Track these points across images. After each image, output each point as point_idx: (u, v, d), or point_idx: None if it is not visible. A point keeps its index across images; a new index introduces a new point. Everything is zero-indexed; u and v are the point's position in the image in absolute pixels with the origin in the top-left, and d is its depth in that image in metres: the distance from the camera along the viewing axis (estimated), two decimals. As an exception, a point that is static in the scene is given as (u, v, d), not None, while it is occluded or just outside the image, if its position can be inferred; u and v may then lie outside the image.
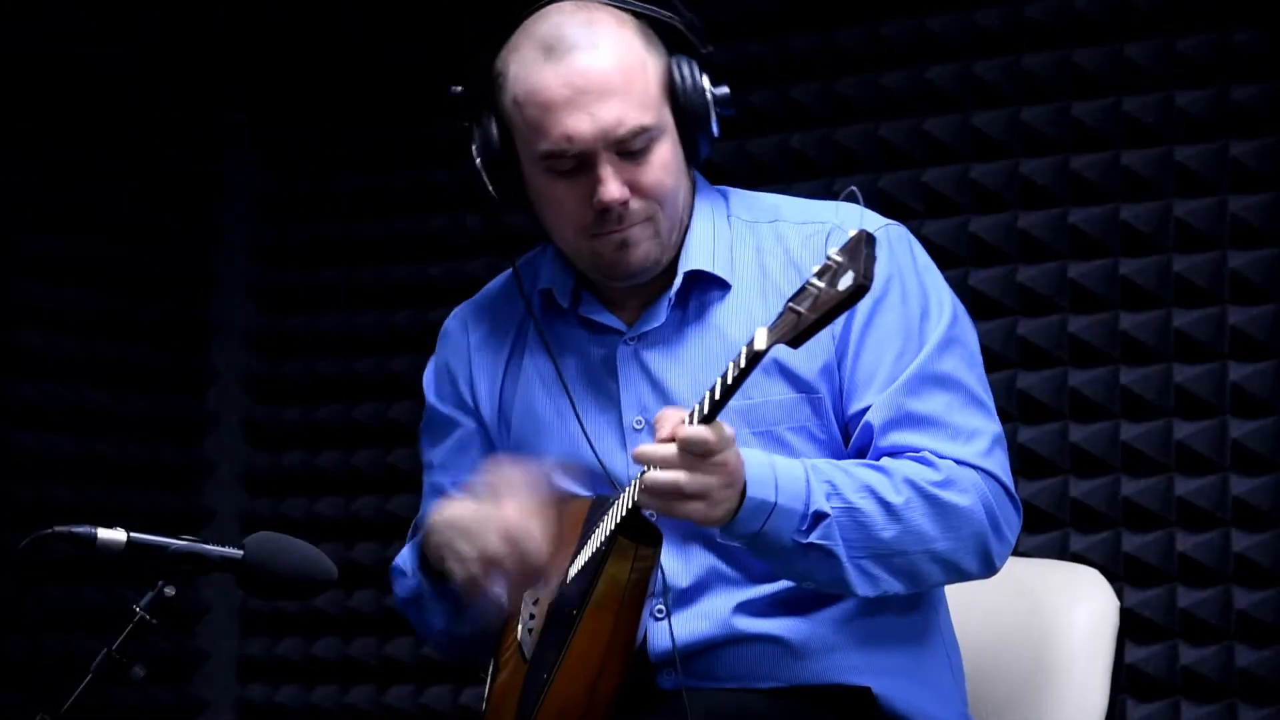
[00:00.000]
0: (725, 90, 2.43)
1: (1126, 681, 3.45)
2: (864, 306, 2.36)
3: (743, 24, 3.99)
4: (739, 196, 2.54)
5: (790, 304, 2.06)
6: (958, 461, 2.33)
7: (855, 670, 2.39)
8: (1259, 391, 3.43)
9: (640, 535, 2.29)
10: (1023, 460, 3.59)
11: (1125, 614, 2.65)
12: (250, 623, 4.56)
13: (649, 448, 2.16)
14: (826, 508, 2.24)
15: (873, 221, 2.45)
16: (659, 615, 2.39)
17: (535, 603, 2.47)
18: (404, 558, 2.57)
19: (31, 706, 2.16)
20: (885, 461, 2.33)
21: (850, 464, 2.32)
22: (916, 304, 2.41)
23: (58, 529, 2.19)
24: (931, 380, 2.37)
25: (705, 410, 2.14)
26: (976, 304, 3.65)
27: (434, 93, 4.36)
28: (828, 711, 2.37)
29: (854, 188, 2.42)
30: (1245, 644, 3.41)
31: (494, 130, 2.42)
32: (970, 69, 3.74)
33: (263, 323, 4.65)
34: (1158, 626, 3.48)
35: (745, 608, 2.39)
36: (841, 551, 2.25)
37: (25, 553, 2.19)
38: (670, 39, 2.43)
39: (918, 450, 2.34)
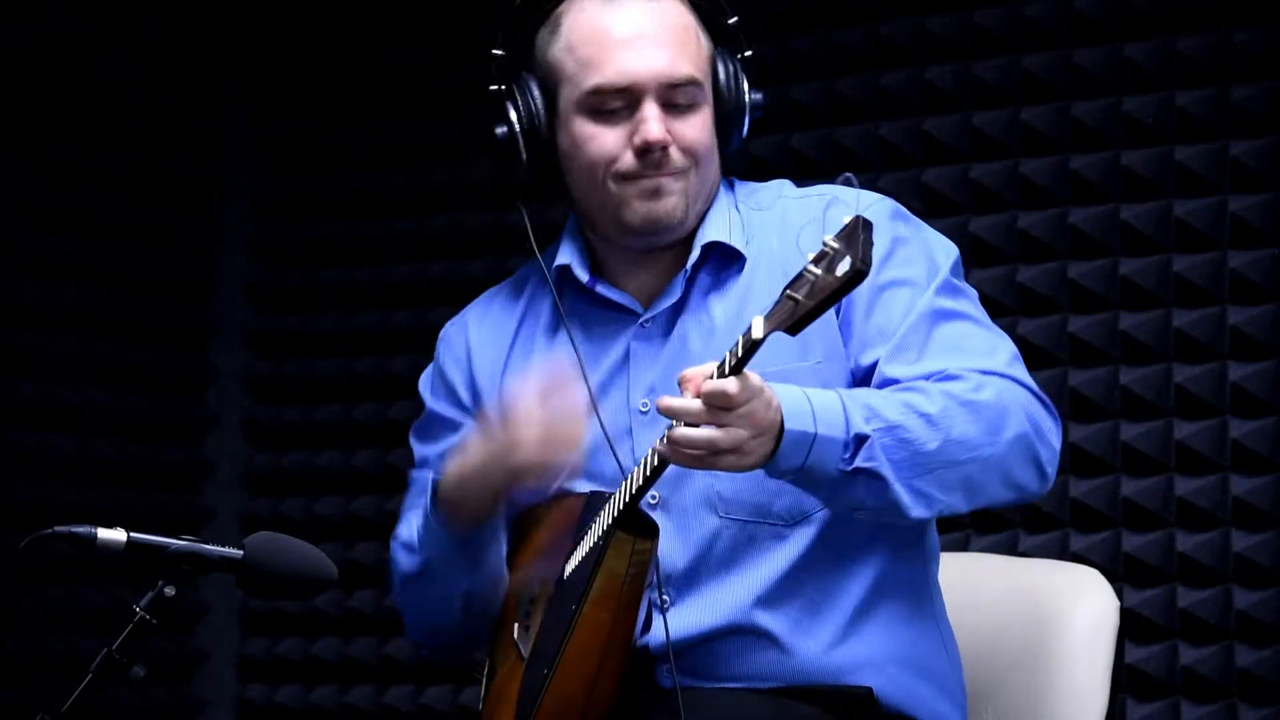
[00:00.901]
0: (760, 96, 2.49)
1: (1126, 681, 3.45)
2: (873, 264, 2.38)
3: (743, 24, 3.98)
4: (743, 187, 2.58)
5: (787, 290, 2.06)
6: (983, 372, 2.34)
7: (856, 668, 2.39)
8: (1259, 391, 3.43)
9: (637, 529, 2.29)
10: (1023, 460, 3.60)
11: (1125, 614, 2.65)
12: (250, 623, 4.56)
13: (675, 400, 2.16)
14: (867, 429, 2.23)
15: (866, 199, 2.47)
16: (665, 605, 2.38)
17: (531, 601, 2.46)
18: (409, 531, 2.55)
19: (31, 706, 2.17)
20: (917, 382, 2.33)
21: (884, 390, 2.33)
22: (921, 261, 2.43)
23: (58, 529, 2.19)
24: (940, 315, 2.39)
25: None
26: (976, 304, 3.65)
27: (434, 93, 4.39)
28: (830, 712, 2.37)
29: (850, 175, 2.43)
30: (1245, 644, 3.41)
31: (533, 86, 2.47)
32: (970, 69, 3.74)
33: (263, 323, 4.65)
34: (1158, 626, 3.48)
35: (746, 599, 2.39)
36: (888, 472, 2.24)
37: (25, 553, 2.19)
38: (714, 35, 2.49)
39: (937, 371, 2.34)
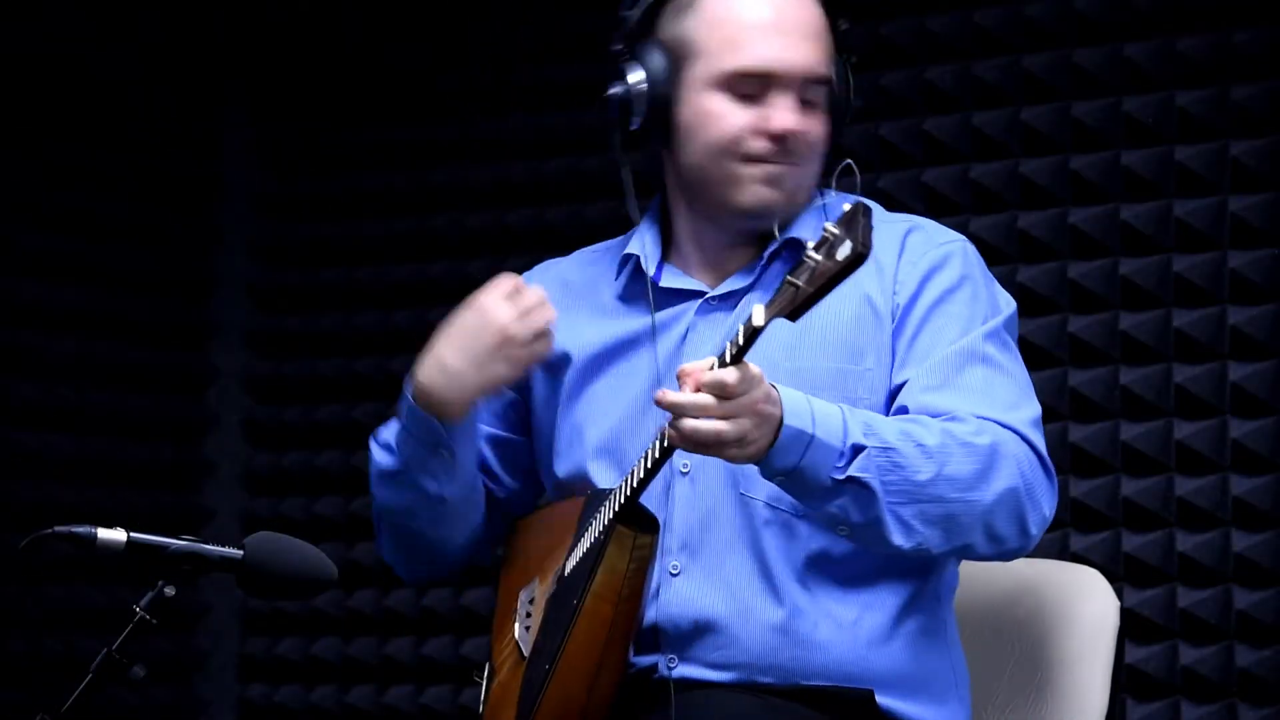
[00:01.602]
0: (859, 102, 2.55)
1: (1126, 681, 3.45)
2: (936, 289, 2.42)
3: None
4: (830, 200, 2.59)
5: (789, 277, 2.07)
6: (994, 421, 2.34)
7: (859, 672, 2.38)
8: (1259, 391, 3.43)
9: (638, 524, 2.29)
10: (1023, 460, 3.60)
11: (1125, 614, 2.65)
12: (250, 623, 4.56)
13: (674, 394, 2.16)
14: (865, 443, 2.25)
15: (945, 234, 2.51)
16: (675, 572, 2.39)
17: (531, 601, 2.46)
18: (390, 431, 2.56)
19: (31, 706, 2.17)
20: (920, 416, 2.34)
21: (887, 416, 2.35)
22: (982, 305, 2.45)
23: (58, 529, 2.19)
24: (976, 357, 2.40)
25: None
26: (976, 304, 3.66)
27: (434, 93, 4.39)
28: (828, 714, 2.36)
29: (850, 161, 2.44)
30: (1245, 644, 3.42)
31: (658, 54, 2.47)
32: (970, 69, 3.74)
33: (263, 323, 4.65)
34: (1158, 626, 3.48)
35: (753, 581, 2.39)
36: (878, 488, 2.25)
37: (25, 553, 2.19)
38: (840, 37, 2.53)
39: (950, 411, 2.35)
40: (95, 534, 2.19)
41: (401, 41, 4.45)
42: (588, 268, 2.63)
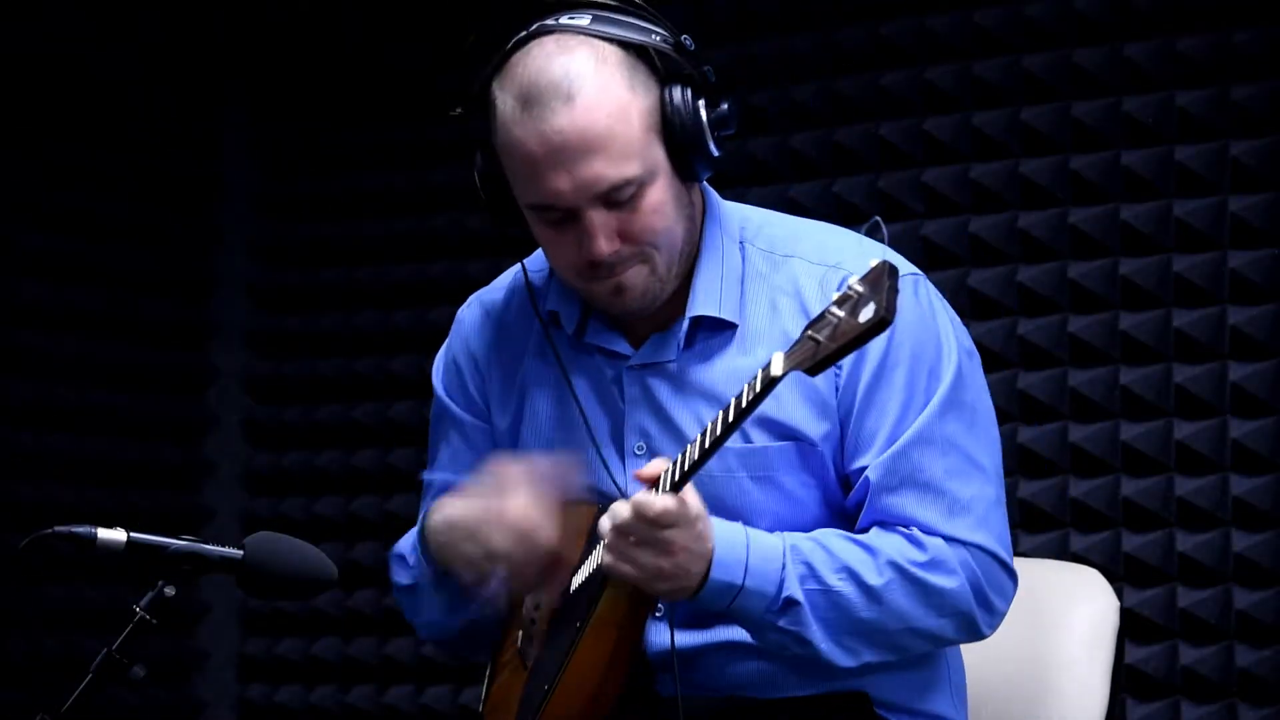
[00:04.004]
0: (724, 108, 2.32)
1: (1126, 681, 3.45)
2: (871, 363, 2.30)
3: (743, 24, 3.99)
4: (756, 222, 2.44)
5: (809, 331, 2.00)
6: (948, 539, 2.28)
7: (855, 678, 2.37)
8: (1259, 391, 3.43)
9: None
10: (1023, 460, 3.60)
11: (1125, 614, 2.65)
12: (250, 623, 4.57)
13: (617, 519, 2.15)
14: (799, 594, 2.22)
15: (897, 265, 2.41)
16: (658, 614, 2.37)
17: (537, 608, 2.45)
18: (405, 545, 2.54)
19: (31, 706, 2.16)
20: (872, 537, 2.28)
21: (835, 538, 2.28)
22: (924, 362, 2.33)
23: (58, 529, 2.19)
24: (930, 442, 2.30)
25: (719, 431, 2.11)
26: (976, 304, 3.66)
27: (434, 93, 4.39)
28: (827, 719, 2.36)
29: (878, 218, 2.37)
30: (1245, 644, 3.42)
31: (491, 161, 2.35)
32: (970, 69, 3.74)
33: (263, 323, 4.65)
34: (1158, 626, 3.48)
35: None
36: (815, 635, 2.24)
37: (25, 553, 2.19)
38: (664, 62, 2.31)
39: (908, 521, 2.29)
40: (95, 534, 2.19)
41: (401, 41, 4.45)
42: (519, 312, 2.52)
